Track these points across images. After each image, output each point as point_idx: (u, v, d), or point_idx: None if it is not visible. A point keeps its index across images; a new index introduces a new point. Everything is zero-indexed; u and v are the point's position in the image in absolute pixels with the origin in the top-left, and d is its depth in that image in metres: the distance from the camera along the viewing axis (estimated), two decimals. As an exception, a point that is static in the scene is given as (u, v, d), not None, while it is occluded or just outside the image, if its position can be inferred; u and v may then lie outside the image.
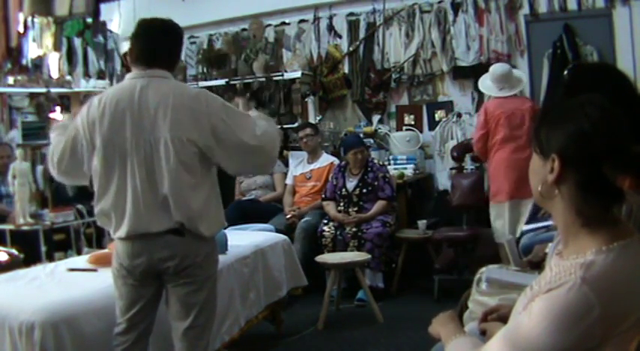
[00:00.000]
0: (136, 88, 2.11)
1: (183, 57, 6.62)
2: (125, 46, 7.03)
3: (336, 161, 5.03)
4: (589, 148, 1.11)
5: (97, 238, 4.75)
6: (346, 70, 5.98)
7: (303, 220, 4.71)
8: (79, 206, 4.69)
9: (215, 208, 2.21)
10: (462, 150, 4.77)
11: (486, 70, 5.41)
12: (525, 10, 5.33)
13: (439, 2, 5.57)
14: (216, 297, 2.29)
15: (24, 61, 6.37)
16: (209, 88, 6.18)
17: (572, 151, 1.13)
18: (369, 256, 4.17)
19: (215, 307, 2.28)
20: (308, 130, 5.11)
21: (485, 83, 4.50)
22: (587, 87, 1.63)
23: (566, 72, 1.78)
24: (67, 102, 6.72)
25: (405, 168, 5.27)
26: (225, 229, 3.39)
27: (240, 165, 2.27)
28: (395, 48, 5.75)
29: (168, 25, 2.22)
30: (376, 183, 4.63)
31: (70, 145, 2.20)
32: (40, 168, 5.61)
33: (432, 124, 5.72)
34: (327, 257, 4.17)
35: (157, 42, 2.18)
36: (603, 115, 1.13)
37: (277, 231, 4.21)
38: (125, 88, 2.14)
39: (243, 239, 3.52)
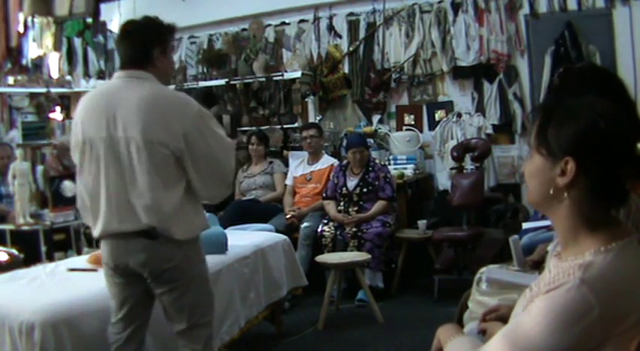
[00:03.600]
0: (115, 88, 2.15)
1: (183, 57, 6.64)
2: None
3: (337, 163, 5.02)
4: (605, 147, 1.09)
5: (97, 238, 4.73)
6: (346, 70, 5.98)
7: (304, 226, 4.66)
8: (79, 206, 4.68)
9: (191, 211, 2.16)
10: (462, 150, 4.76)
11: (486, 70, 5.46)
12: (525, 9, 5.33)
13: (439, 2, 5.58)
14: (210, 293, 2.27)
15: (24, 61, 6.36)
16: (209, 88, 6.22)
17: (587, 150, 1.10)
18: (369, 256, 4.17)
19: (209, 303, 2.26)
20: (312, 131, 5.09)
21: None
22: (577, 90, 1.62)
23: (555, 76, 1.77)
24: (67, 102, 6.73)
25: (405, 168, 5.26)
26: (225, 229, 3.41)
27: (207, 178, 2.15)
28: (395, 48, 5.75)
29: (142, 25, 2.19)
30: (377, 183, 4.63)
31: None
32: (40, 168, 5.62)
33: (432, 124, 5.73)
34: (327, 257, 4.17)
35: (131, 44, 2.17)
36: (614, 112, 1.12)
37: (277, 231, 4.21)
38: (105, 89, 2.20)
39: (243, 239, 3.52)
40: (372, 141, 5.55)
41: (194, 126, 2.07)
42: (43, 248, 4.34)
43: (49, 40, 6.19)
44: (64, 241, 4.63)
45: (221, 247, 3.14)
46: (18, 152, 4.68)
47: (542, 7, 5.26)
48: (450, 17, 5.52)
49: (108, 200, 2.09)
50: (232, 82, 5.96)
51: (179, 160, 2.08)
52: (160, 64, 2.18)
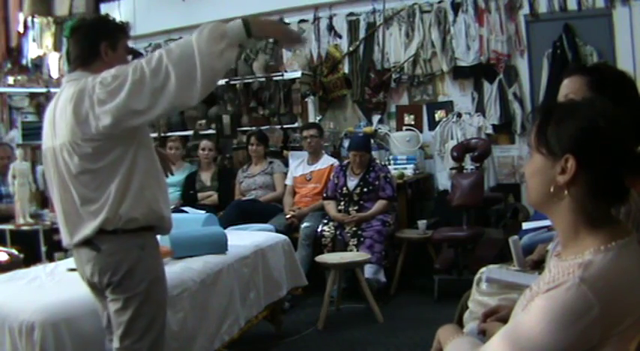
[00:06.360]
0: (58, 94, 2.07)
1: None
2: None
3: (337, 163, 5.03)
4: (604, 145, 1.10)
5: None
6: (346, 70, 5.99)
7: (304, 226, 4.66)
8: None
9: (149, 193, 1.99)
10: (462, 150, 4.76)
11: (486, 70, 5.46)
12: (525, 10, 5.34)
13: (439, 2, 5.58)
14: (154, 318, 2.02)
15: (24, 61, 6.38)
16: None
17: (587, 148, 1.10)
18: (369, 256, 4.17)
19: (150, 329, 2.00)
20: (313, 131, 5.09)
21: None
22: (611, 90, 1.61)
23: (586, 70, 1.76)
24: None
25: (405, 168, 5.27)
26: (225, 229, 3.41)
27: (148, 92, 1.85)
28: (395, 48, 5.76)
29: (90, 21, 2.15)
30: (377, 183, 4.64)
31: None
32: (40, 168, 5.62)
33: (432, 124, 5.73)
34: (327, 257, 4.17)
35: (78, 40, 2.09)
36: (614, 111, 1.13)
37: (277, 231, 4.21)
38: (55, 96, 2.11)
39: (243, 239, 3.52)
40: (372, 141, 5.56)
41: (105, 82, 1.86)
42: (43, 248, 4.35)
43: (49, 40, 6.20)
44: (64, 241, 4.63)
45: (221, 247, 3.14)
46: (18, 152, 4.68)
47: (542, 7, 5.27)
48: (450, 17, 5.52)
49: (58, 211, 2.07)
50: (232, 82, 5.97)
51: (108, 144, 1.92)
52: (108, 59, 2.03)
